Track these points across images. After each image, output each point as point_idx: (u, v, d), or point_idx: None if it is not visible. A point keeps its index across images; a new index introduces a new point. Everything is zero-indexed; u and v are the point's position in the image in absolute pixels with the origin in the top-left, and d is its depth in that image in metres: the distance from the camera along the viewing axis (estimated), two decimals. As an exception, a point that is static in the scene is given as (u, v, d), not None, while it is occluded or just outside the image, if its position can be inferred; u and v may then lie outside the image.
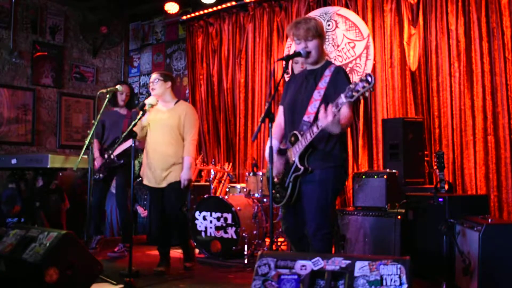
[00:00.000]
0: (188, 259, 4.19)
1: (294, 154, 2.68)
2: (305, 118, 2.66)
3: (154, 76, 4.01)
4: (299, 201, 2.75)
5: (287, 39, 5.97)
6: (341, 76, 2.66)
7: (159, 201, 4.00)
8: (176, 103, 4.05)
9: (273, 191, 2.84)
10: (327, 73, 2.67)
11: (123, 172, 4.76)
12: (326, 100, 2.56)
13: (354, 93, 2.31)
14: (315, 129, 2.55)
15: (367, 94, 2.30)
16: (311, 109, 2.65)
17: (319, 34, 2.72)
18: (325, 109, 2.43)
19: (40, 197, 4.99)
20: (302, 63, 3.39)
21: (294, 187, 2.70)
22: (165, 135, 3.90)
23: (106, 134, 4.95)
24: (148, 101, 3.69)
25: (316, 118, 2.59)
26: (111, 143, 4.87)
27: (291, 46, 5.84)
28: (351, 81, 2.61)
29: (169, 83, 4.04)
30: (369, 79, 2.26)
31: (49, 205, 5.99)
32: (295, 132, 2.70)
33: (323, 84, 2.65)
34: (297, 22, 2.75)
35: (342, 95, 2.37)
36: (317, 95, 2.65)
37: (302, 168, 2.63)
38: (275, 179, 2.84)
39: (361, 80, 2.29)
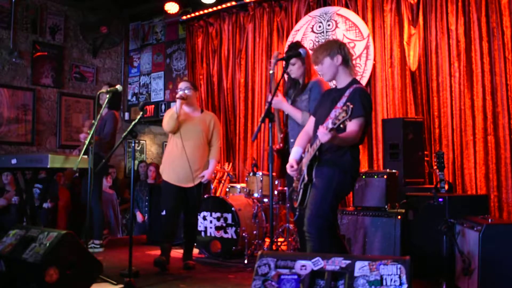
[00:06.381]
0: (190, 257, 4.34)
1: (304, 164, 2.87)
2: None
3: (186, 84, 4.28)
4: None
5: (287, 39, 5.97)
6: (356, 97, 2.74)
7: (182, 199, 4.23)
8: (202, 111, 4.44)
9: (292, 192, 3.12)
10: (347, 94, 2.79)
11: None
12: None
13: (336, 121, 2.39)
14: (314, 146, 2.75)
15: (346, 122, 2.39)
16: None
17: (328, 54, 2.83)
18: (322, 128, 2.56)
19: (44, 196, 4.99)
20: (298, 66, 3.47)
21: (305, 193, 2.89)
22: (196, 139, 4.25)
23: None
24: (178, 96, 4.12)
25: None
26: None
27: (291, 46, 5.84)
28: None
29: (197, 92, 4.47)
30: (348, 110, 2.33)
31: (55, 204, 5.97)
32: (309, 144, 2.91)
33: (340, 104, 2.78)
34: (315, 49, 2.94)
35: (330, 121, 2.46)
36: (333, 114, 2.78)
37: (307, 178, 2.82)
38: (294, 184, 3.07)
39: (342, 109, 2.36)
